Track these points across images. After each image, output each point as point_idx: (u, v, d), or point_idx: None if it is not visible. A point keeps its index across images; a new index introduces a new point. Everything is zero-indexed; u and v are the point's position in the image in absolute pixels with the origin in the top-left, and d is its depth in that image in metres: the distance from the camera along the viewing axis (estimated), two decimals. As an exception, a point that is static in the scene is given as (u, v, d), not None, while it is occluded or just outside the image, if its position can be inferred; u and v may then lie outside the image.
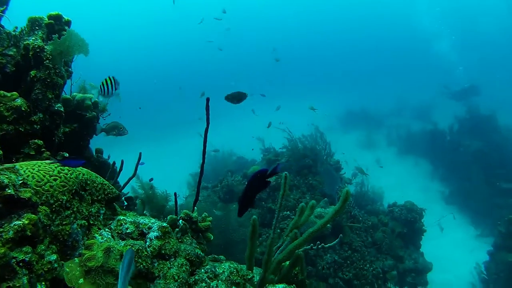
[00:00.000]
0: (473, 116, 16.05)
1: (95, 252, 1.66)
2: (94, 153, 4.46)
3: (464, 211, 13.67)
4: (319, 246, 3.16)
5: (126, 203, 4.56)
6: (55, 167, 1.99)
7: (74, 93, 4.19)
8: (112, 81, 3.78)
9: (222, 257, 4.01)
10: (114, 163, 4.24)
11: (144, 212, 5.11)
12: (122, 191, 4.31)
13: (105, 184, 2.27)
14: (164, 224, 2.22)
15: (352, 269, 6.75)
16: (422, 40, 29.65)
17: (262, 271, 2.58)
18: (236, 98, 3.95)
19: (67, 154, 2.94)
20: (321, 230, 2.43)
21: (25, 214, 1.56)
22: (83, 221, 1.99)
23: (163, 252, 2.12)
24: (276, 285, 2.28)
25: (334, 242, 3.14)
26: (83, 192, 2.09)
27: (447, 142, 16.43)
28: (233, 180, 8.43)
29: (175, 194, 3.36)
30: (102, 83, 3.79)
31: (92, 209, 2.13)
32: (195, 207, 3.16)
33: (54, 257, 1.75)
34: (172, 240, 2.21)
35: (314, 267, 6.66)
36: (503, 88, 22.24)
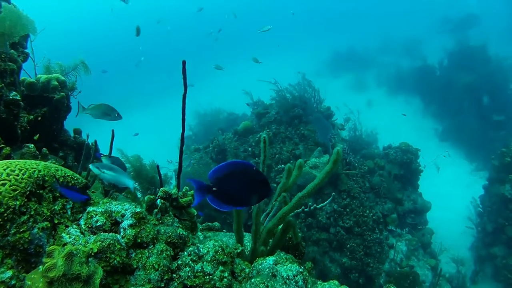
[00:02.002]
0: (463, 49, 15.67)
1: (55, 260, 1.41)
2: (72, 134, 4.14)
3: (458, 146, 13.69)
4: (311, 207, 2.96)
5: None
6: (3, 170, 1.69)
7: (39, 75, 3.81)
8: None
9: (216, 224, 3.81)
10: (95, 142, 3.93)
11: (136, 185, 4.89)
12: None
13: (68, 175, 1.98)
14: (138, 210, 1.95)
15: (352, 216, 6.67)
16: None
17: (252, 242, 2.39)
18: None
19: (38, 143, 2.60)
20: (311, 193, 2.22)
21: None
22: (45, 223, 1.73)
23: (139, 241, 1.87)
24: (267, 258, 2.08)
25: (327, 202, 2.94)
26: (41, 191, 1.81)
27: (437, 78, 16.15)
28: (224, 139, 8.19)
29: (157, 166, 3.08)
30: None
31: (56, 207, 1.86)
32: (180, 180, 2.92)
33: (9, 273, 1.51)
34: (149, 225, 1.96)
35: (314, 218, 6.57)
36: (498, 17, 21.47)
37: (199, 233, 3.25)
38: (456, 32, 18.46)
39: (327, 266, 6.50)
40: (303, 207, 2.82)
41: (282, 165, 6.90)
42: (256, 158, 7.30)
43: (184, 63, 2.78)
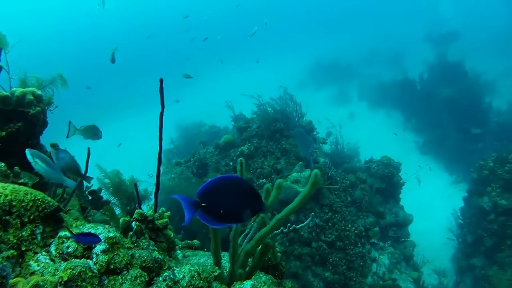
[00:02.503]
0: (442, 63, 16.04)
1: (18, 294, 1.35)
2: (48, 150, 4.04)
3: (439, 158, 13.90)
4: (290, 228, 2.93)
5: (90, 197, 4.20)
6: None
7: (14, 89, 3.72)
8: None
9: (196, 241, 3.75)
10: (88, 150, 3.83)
11: (113, 200, 4.80)
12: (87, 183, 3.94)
13: (38, 199, 1.91)
14: (111, 234, 1.90)
15: (334, 230, 6.67)
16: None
17: (230, 265, 2.35)
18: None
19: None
20: (289, 214, 2.20)
21: None
22: (11, 252, 1.66)
23: (112, 267, 1.81)
24: (244, 282, 2.03)
25: (305, 222, 2.92)
26: (8, 217, 1.74)
27: (418, 91, 16.46)
28: (206, 153, 8.13)
29: (135, 184, 3.01)
30: None
31: (24, 233, 1.79)
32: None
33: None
34: (122, 250, 1.90)
35: (296, 233, 6.55)
36: (477, 33, 22.06)
37: (178, 251, 3.19)
38: (437, 46, 18.85)
39: (310, 281, 6.46)
40: (282, 228, 2.79)
41: (264, 180, 6.89)
42: (238, 173, 7.25)
43: (161, 81, 2.74)
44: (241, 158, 2.29)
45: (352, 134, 10.06)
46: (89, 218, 3.20)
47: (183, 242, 3.66)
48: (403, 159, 8.72)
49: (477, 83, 15.01)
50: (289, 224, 3.00)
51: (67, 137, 3.55)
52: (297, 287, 6.45)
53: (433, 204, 10.92)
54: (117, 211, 4.68)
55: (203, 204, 1.66)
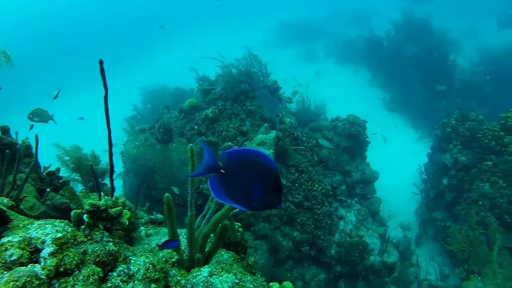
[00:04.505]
0: (409, 21, 15.99)
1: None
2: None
3: (405, 115, 14.13)
4: None
5: (48, 179, 3.96)
6: None
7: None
8: None
9: (159, 216, 3.62)
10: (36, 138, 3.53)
11: (75, 175, 4.57)
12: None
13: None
14: (59, 235, 1.75)
15: (301, 191, 6.67)
16: None
17: (188, 250, 2.30)
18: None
19: None
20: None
21: None
22: None
23: (62, 269, 1.68)
24: (201, 269, 1.99)
25: None
26: None
27: (385, 48, 16.44)
28: (170, 117, 7.86)
29: (91, 166, 2.80)
30: None
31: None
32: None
33: None
34: (72, 250, 1.77)
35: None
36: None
37: (142, 228, 3.07)
38: (404, 4, 18.70)
39: (279, 241, 6.49)
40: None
41: (229, 143, 6.74)
42: (203, 137, 7.09)
43: (101, 63, 2.53)
44: (191, 145, 2.16)
45: (319, 92, 9.96)
46: (47, 202, 3.00)
47: (146, 217, 3.53)
48: (370, 116, 8.74)
49: (442, 41, 15.15)
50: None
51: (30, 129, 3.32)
52: (266, 248, 6.48)
53: (399, 161, 11.14)
54: (80, 187, 4.49)
55: (222, 171, 1.47)
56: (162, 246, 2.16)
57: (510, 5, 17.87)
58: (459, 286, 6.02)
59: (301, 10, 23.36)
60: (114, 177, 6.01)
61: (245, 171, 1.48)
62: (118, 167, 7.77)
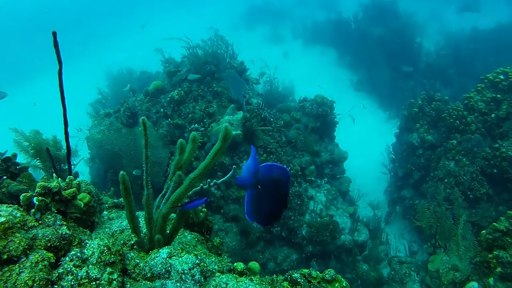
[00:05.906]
0: (376, 3, 16.11)
1: None
2: None
3: (373, 96, 14.28)
4: (211, 184, 2.75)
5: (4, 165, 3.74)
6: None
7: None
8: None
9: (121, 199, 3.47)
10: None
11: (35, 162, 4.36)
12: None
13: None
14: (2, 220, 1.60)
15: (270, 172, 6.61)
16: None
17: (147, 231, 2.19)
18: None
19: None
20: (204, 173, 2.03)
21: None
22: None
23: (5, 257, 1.53)
24: (160, 250, 1.91)
25: (227, 176, 2.75)
26: None
27: (352, 30, 16.55)
28: (135, 101, 7.63)
29: (47, 149, 2.63)
30: None
31: None
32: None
33: None
34: (18, 235, 1.62)
35: (233, 177, 6.41)
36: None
37: (105, 212, 2.93)
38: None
39: (249, 222, 6.44)
40: (201, 184, 2.62)
41: (196, 125, 6.60)
42: (169, 119, 6.90)
43: (54, 34, 2.37)
44: (143, 117, 2.07)
45: (287, 73, 9.88)
46: (3, 190, 2.82)
47: (109, 202, 3.38)
48: (338, 96, 8.75)
49: (409, 23, 15.45)
50: (209, 180, 2.83)
51: None
52: (237, 230, 6.43)
53: (368, 141, 11.27)
54: (42, 174, 4.29)
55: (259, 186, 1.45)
56: (188, 204, 2.06)
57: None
58: (426, 260, 6.16)
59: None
60: (76, 162, 5.76)
61: (275, 189, 1.51)
62: (84, 153, 7.52)
